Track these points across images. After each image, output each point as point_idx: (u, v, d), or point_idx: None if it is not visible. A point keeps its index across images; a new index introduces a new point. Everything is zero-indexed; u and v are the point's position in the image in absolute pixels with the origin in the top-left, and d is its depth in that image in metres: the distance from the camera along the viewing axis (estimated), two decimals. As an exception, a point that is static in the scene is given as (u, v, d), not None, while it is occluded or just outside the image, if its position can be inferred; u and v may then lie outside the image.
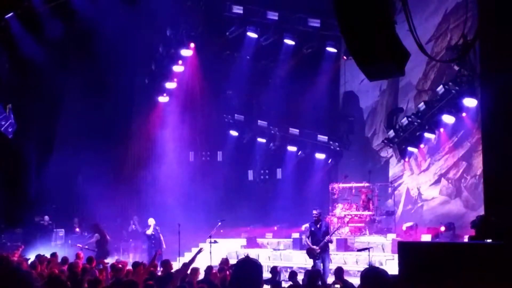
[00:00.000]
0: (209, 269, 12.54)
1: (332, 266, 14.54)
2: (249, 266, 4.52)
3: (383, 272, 4.94)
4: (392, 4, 6.82)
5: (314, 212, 15.66)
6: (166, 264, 12.23)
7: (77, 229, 22.92)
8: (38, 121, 23.00)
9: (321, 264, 15.06)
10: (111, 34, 20.51)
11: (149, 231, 19.27)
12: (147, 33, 22.96)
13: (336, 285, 10.24)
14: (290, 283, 10.60)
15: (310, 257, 15.21)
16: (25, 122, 21.87)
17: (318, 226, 15.44)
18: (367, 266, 5.07)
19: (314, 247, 15.09)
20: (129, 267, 13.03)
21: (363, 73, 7.24)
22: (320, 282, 10.19)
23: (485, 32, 7.92)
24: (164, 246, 19.31)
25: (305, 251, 16.04)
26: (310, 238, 15.43)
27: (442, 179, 21.40)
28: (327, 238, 15.16)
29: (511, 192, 6.69)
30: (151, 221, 19.44)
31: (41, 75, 21.81)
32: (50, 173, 21.91)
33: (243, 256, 11.72)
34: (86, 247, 18.82)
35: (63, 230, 22.69)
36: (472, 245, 6.51)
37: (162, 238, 19.52)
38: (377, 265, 16.20)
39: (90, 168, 22.08)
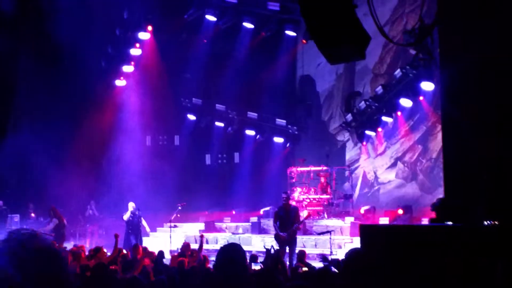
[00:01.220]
0: (160, 254, 12.44)
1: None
2: (235, 250, 4.52)
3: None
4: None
5: (283, 195, 15.25)
6: (135, 249, 12.06)
7: (33, 214, 22.48)
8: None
9: (288, 248, 14.58)
10: (66, 15, 20.03)
11: (125, 216, 18.34)
12: (103, 15, 22.49)
13: (304, 268, 10.28)
14: (260, 265, 10.60)
15: (278, 243, 14.48)
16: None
17: (287, 211, 14.92)
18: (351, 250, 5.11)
19: (282, 234, 14.59)
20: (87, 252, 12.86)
21: (324, 57, 7.22)
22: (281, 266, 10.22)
23: (444, 16, 7.99)
24: (148, 230, 18.69)
25: (264, 235, 15.93)
26: (278, 223, 14.84)
27: (398, 162, 21.71)
28: (295, 226, 14.70)
29: (471, 175, 6.81)
30: (130, 206, 18.54)
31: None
32: (3, 156, 21.38)
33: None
34: (43, 232, 18.40)
35: (18, 215, 22.21)
36: (433, 227, 6.62)
37: (144, 223, 18.68)
38: (335, 248, 16.37)
39: (45, 152, 21.62)
